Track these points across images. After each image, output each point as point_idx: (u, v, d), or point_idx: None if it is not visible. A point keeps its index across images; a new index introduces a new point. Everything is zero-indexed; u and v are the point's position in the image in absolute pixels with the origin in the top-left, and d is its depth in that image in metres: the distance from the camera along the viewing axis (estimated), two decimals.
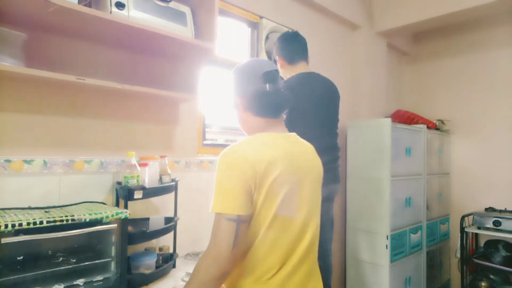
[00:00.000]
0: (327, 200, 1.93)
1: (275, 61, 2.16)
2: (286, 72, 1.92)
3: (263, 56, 2.29)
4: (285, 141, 1.03)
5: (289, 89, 1.82)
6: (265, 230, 0.96)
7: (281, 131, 1.08)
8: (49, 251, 1.20)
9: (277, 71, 1.07)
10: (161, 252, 1.58)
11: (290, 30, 2.05)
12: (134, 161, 1.46)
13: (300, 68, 1.90)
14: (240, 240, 0.92)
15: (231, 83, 1.12)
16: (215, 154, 2.02)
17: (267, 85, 1.03)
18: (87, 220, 1.16)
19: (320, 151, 1.86)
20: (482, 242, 3.03)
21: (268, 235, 0.97)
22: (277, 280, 0.97)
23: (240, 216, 0.91)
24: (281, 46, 1.93)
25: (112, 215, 1.22)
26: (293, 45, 1.92)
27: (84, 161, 1.50)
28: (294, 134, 1.11)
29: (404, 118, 3.11)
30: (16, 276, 1.05)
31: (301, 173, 1.02)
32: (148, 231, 1.46)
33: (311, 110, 1.83)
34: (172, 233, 1.60)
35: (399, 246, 2.60)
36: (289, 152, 1.00)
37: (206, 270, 0.91)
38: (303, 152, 1.06)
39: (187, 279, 1.42)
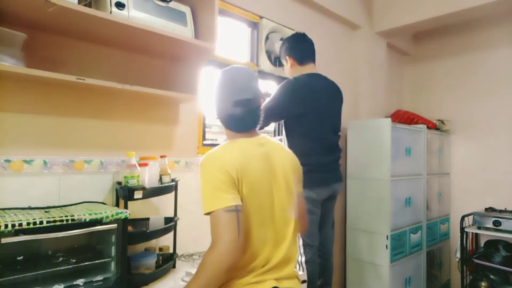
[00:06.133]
0: (330, 199, 1.94)
1: (277, 61, 2.16)
2: (295, 72, 1.95)
3: (263, 56, 2.28)
4: (255, 144, 1.14)
5: (297, 87, 1.84)
6: (253, 225, 1.05)
7: (250, 136, 1.17)
8: (49, 251, 1.20)
9: (248, 99, 1.13)
10: (161, 252, 1.58)
11: (297, 31, 2.05)
12: (134, 161, 1.46)
13: (309, 69, 1.95)
14: (242, 228, 0.98)
15: (212, 95, 1.21)
16: None
17: (237, 109, 1.12)
18: (87, 220, 1.16)
19: (324, 152, 1.88)
20: (482, 242, 3.03)
21: (258, 231, 1.06)
22: (267, 272, 1.06)
23: (237, 206, 0.99)
24: (292, 46, 1.96)
25: (112, 215, 1.22)
26: (304, 45, 1.97)
27: (84, 161, 1.49)
28: (263, 136, 1.21)
29: (404, 118, 3.11)
30: (16, 276, 1.05)
31: (273, 170, 1.12)
32: (148, 231, 1.46)
33: (317, 110, 1.86)
34: (172, 233, 1.60)
35: (399, 246, 2.60)
36: (260, 153, 1.12)
37: (215, 264, 0.94)
38: (272, 151, 1.16)
39: (187, 279, 1.42)
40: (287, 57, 1.97)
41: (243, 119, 1.15)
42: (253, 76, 1.19)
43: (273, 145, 1.20)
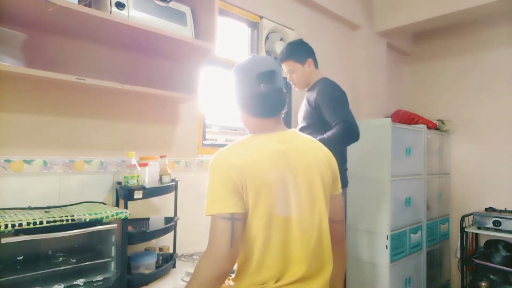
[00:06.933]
0: None
1: (275, 60, 2.16)
2: (313, 76, 1.96)
3: None
4: (273, 141, 1.03)
5: (339, 93, 1.86)
6: (262, 232, 0.96)
7: (273, 130, 1.07)
8: (49, 251, 1.20)
9: (273, 71, 1.05)
10: (161, 252, 1.58)
11: (299, 38, 2.06)
12: (134, 161, 1.46)
13: (321, 74, 1.99)
14: (237, 238, 0.93)
15: (231, 83, 1.12)
16: None
17: (262, 85, 1.03)
18: (87, 220, 1.16)
19: (342, 159, 1.89)
20: (482, 242, 3.02)
21: (267, 237, 0.97)
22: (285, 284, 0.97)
23: (233, 214, 0.93)
24: (311, 50, 1.96)
25: (112, 215, 1.22)
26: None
27: (84, 161, 1.50)
28: (290, 131, 1.10)
29: (404, 118, 3.11)
30: (16, 276, 1.05)
31: (293, 171, 1.00)
32: (148, 231, 1.46)
33: None
34: (172, 233, 1.60)
35: (399, 246, 2.60)
36: (276, 151, 1.00)
37: (206, 270, 0.92)
38: (293, 149, 1.03)
39: (187, 279, 1.42)
40: (309, 59, 1.93)
41: (268, 98, 1.04)
42: (273, 60, 1.11)
43: (298, 142, 1.07)
